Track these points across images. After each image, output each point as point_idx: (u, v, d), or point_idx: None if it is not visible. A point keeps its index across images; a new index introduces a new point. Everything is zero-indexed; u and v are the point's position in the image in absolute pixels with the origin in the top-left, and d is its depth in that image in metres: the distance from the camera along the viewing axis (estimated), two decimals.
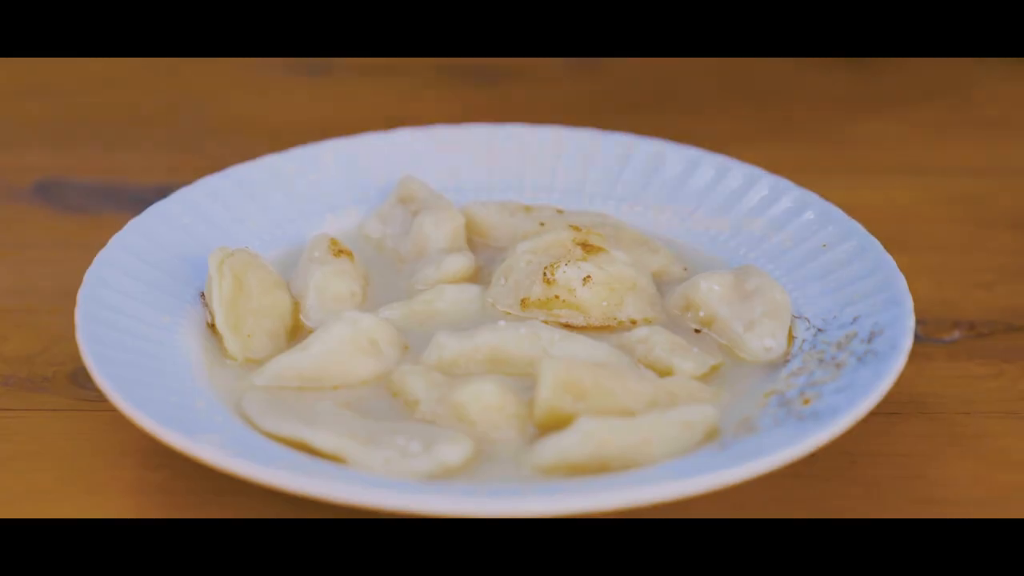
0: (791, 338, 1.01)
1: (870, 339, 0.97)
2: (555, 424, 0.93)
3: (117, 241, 1.05)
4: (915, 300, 1.00)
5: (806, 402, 0.94)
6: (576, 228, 1.08)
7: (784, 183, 1.13)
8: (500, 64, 1.47)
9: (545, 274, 1.04)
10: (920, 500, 0.94)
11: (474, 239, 1.12)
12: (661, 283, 1.07)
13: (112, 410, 0.95)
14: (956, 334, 1.09)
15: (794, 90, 1.45)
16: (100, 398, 0.98)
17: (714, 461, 0.88)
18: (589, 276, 1.04)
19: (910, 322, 0.98)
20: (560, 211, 1.14)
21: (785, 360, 1.00)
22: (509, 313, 1.04)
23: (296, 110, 1.41)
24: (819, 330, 1.01)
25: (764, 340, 1.01)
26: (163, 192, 1.14)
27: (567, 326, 1.02)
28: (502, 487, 0.89)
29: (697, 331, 1.03)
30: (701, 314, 1.04)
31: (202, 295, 1.04)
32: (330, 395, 0.97)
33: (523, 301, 1.04)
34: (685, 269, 1.10)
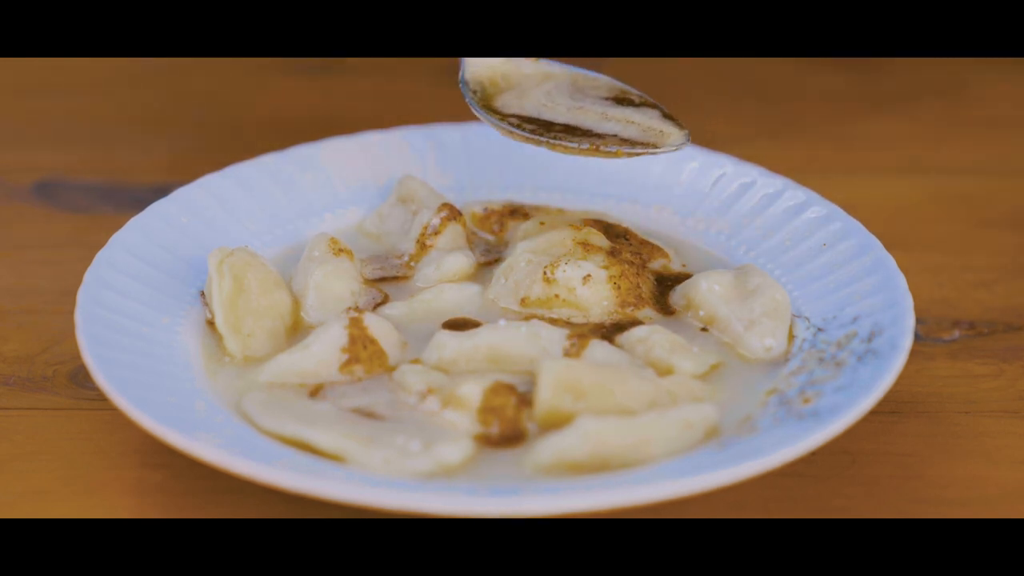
0: (791, 337, 1.02)
1: (870, 338, 0.97)
2: (555, 423, 0.93)
3: (117, 241, 1.05)
4: (915, 300, 1.00)
5: (806, 401, 0.94)
6: (576, 228, 1.08)
7: (784, 182, 1.13)
8: None
9: (545, 273, 1.04)
10: (920, 500, 0.94)
11: (474, 239, 1.12)
12: (661, 282, 1.07)
13: (112, 410, 0.95)
14: (956, 334, 1.09)
15: (794, 90, 1.45)
16: (100, 398, 0.98)
17: (714, 460, 0.88)
18: (589, 275, 1.04)
19: (910, 321, 0.98)
20: (560, 211, 1.14)
21: (785, 359, 1.00)
22: (509, 310, 1.04)
23: (296, 110, 1.41)
24: (819, 329, 1.01)
25: (764, 339, 1.01)
26: (163, 192, 1.13)
27: (568, 325, 1.02)
28: (502, 486, 0.89)
29: (704, 330, 1.03)
30: (701, 313, 1.04)
31: (202, 294, 1.04)
32: (330, 394, 0.97)
33: (523, 300, 1.04)
34: (684, 266, 1.10)
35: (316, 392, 0.97)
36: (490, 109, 1.10)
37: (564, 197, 1.17)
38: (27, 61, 1.44)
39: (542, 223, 1.11)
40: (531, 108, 1.10)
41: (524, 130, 1.07)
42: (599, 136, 1.07)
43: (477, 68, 1.12)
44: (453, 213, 1.10)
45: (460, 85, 1.11)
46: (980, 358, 1.06)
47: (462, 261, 1.08)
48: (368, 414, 0.95)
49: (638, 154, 1.05)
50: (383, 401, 0.96)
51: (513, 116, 1.09)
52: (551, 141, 1.06)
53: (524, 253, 1.06)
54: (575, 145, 1.06)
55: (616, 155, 1.05)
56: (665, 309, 1.05)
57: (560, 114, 1.09)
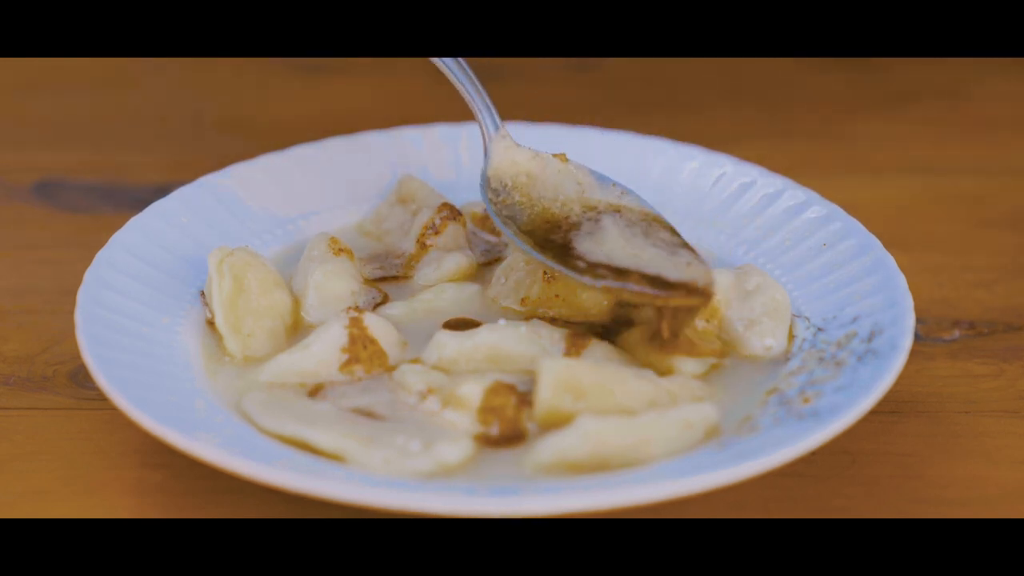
0: (791, 337, 1.02)
1: (870, 338, 0.97)
2: (555, 423, 0.93)
3: (117, 240, 1.05)
4: (915, 299, 1.00)
5: (806, 401, 0.94)
6: None
7: (784, 182, 1.13)
8: (500, 64, 1.47)
9: (545, 273, 1.04)
10: (920, 500, 0.94)
11: (474, 239, 1.12)
12: None
13: (112, 409, 0.95)
14: (956, 334, 1.09)
15: (794, 90, 1.45)
16: (100, 398, 0.98)
17: (714, 460, 0.88)
18: None
19: (910, 321, 0.98)
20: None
21: (785, 359, 1.00)
22: (509, 309, 1.04)
23: (296, 110, 1.41)
24: (819, 329, 1.01)
25: (764, 339, 1.01)
26: (163, 192, 1.13)
27: (568, 325, 1.02)
28: (502, 486, 0.89)
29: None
30: None
31: (202, 294, 1.04)
32: (330, 394, 0.97)
33: (523, 300, 1.04)
34: None
35: (316, 392, 0.97)
36: (544, 241, 1.02)
37: None
38: (27, 61, 1.44)
39: None
40: (619, 257, 0.99)
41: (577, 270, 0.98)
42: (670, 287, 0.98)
43: (500, 163, 1.06)
44: (453, 213, 1.10)
45: (480, 185, 1.05)
46: (980, 358, 1.06)
47: (462, 261, 1.08)
48: (368, 414, 0.95)
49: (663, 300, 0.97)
50: (383, 401, 0.96)
51: (601, 265, 0.99)
52: (589, 280, 0.98)
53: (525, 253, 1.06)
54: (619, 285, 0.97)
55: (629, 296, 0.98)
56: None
57: (644, 262, 0.99)
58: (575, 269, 0.99)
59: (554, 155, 1.07)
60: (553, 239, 1.02)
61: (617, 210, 1.04)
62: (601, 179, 1.07)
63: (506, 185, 1.06)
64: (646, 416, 0.92)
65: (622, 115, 1.36)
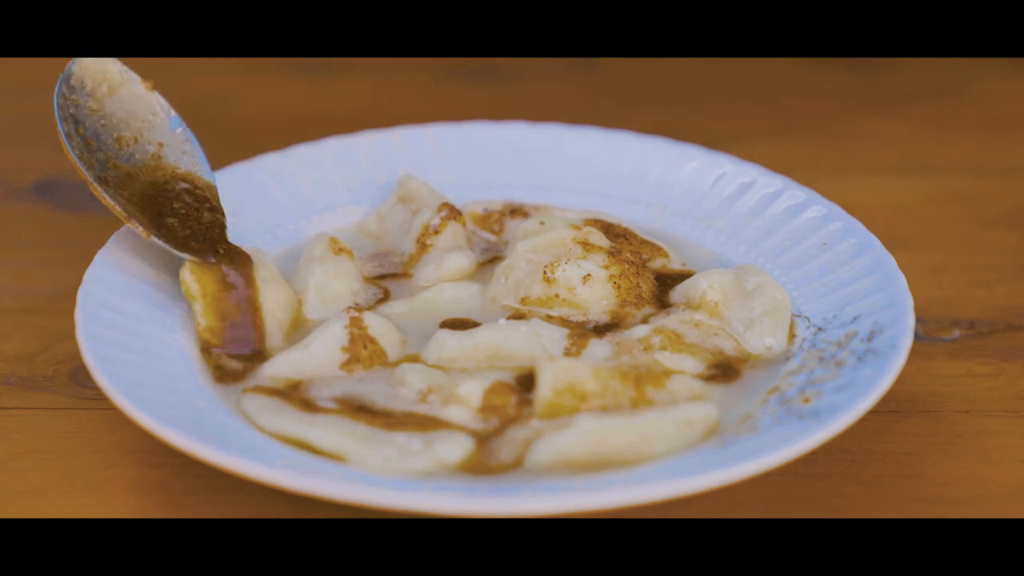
0: (791, 337, 1.02)
1: (870, 338, 0.97)
2: (555, 423, 0.93)
3: (117, 240, 1.05)
4: (915, 299, 1.00)
5: (806, 400, 0.94)
6: (576, 227, 1.08)
7: (784, 182, 1.13)
8: (500, 64, 1.47)
9: (545, 273, 1.04)
10: (920, 499, 0.94)
11: (474, 238, 1.13)
12: (661, 282, 1.07)
13: (112, 409, 0.95)
14: (956, 333, 1.09)
15: (794, 90, 1.45)
16: (100, 397, 0.98)
17: (714, 459, 0.88)
18: (589, 275, 1.04)
19: (910, 321, 0.98)
20: (561, 210, 1.14)
21: (785, 358, 1.00)
22: (510, 308, 1.04)
23: (296, 110, 1.41)
24: (819, 329, 1.01)
25: (764, 339, 1.01)
26: None
27: (567, 324, 1.02)
28: (502, 486, 0.89)
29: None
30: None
31: None
32: (330, 393, 0.97)
33: (523, 299, 1.04)
34: (684, 265, 1.10)
35: (316, 391, 0.97)
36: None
37: (564, 197, 1.17)
38: (27, 61, 1.44)
39: (542, 223, 1.11)
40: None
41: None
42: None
43: (91, 64, 1.07)
44: (453, 212, 1.11)
45: (60, 75, 1.05)
46: (980, 358, 1.06)
47: (462, 260, 1.08)
48: (368, 413, 0.95)
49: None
50: (383, 400, 0.96)
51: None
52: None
53: (524, 252, 1.06)
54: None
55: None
56: (665, 308, 1.05)
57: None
58: (117, 203, 1.01)
59: (143, 80, 1.09)
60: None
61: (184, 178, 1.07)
62: (173, 122, 1.08)
63: (86, 87, 1.07)
64: (646, 415, 0.92)
65: (622, 115, 1.36)
